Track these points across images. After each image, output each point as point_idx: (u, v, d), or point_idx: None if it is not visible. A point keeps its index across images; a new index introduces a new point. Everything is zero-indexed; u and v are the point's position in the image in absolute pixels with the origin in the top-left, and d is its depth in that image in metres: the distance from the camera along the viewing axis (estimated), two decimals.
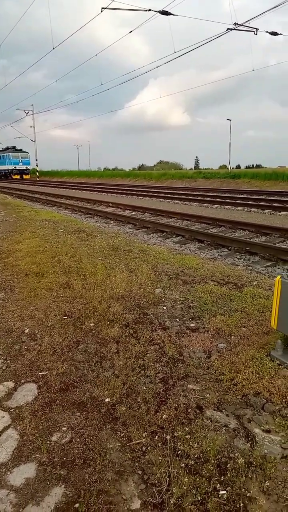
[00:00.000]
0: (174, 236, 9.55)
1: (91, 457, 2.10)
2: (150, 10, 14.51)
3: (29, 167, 59.13)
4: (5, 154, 59.56)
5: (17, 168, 56.90)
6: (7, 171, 58.99)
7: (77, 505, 1.81)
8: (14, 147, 60.69)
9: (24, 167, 58.04)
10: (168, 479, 1.93)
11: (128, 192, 24.32)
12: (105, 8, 14.39)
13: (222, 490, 1.87)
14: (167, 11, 14.49)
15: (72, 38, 20.30)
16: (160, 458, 2.06)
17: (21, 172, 57.21)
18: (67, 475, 1.99)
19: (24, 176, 57.28)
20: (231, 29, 15.56)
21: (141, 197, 21.36)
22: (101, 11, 14.55)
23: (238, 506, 1.78)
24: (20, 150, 58.88)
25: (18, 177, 56.29)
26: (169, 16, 14.63)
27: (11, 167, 57.38)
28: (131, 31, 16.61)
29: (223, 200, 17.10)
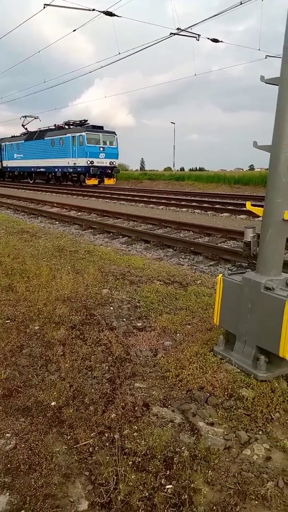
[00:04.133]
0: (120, 236, 9.58)
1: (36, 462, 2.05)
2: (94, 10, 14.44)
3: (115, 162, 29.95)
4: (67, 135, 29.48)
5: (95, 163, 27.83)
6: (71, 169, 29.36)
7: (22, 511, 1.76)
8: (84, 121, 30.44)
9: (107, 162, 28.77)
10: (115, 477, 1.94)
11: (74, 192, 23.99)
12: (47, 5, 14.11)
13: (169, 484, 1.91)
14: (111, 12, 14.51)
15: (14, 34, 19.69)
16: (108, 457, 2.07)
17: (103, 172, 28.49)
18: (12, 482, 1.92)
19: (107, 181, 29.20)
20: (174, 33, 15.93)
21: (87, 198, 21.16)
22: (44, 7, 14.24)
23: (183, 498, 1.83)
24: (101, 128, 29.60)
25: (95, 182, 28.39)
26: (113, 17, 14.66)
27: (82, 161, 27.95)
28: (75, 30, 16.48)
29: (168, 202, 17.43)
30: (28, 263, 5.85)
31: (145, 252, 7.93)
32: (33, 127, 37.94)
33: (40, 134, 34.53)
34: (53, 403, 2.55)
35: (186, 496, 1.84)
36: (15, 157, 38.54)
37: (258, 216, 2.94)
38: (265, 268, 2.83)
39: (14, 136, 39.95)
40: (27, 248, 7.09)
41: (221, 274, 3.18)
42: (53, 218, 12.77)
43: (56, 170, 31.58)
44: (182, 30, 15.79)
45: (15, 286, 4.77)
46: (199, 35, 16.69)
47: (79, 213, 14.18)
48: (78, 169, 28.75)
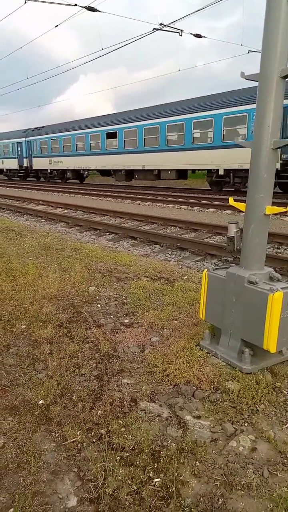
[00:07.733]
0: (107, 233, 9.56)
1: (25, 460, 2.06)
2: (76, 5, 14.29)
3: None
4: None
5: None
6: None
7: (11, 510, 1.77)
8: None
9: None
10: (103, 473, 1.96)
11: (59, 190, 23.81)
12: (28, 0, 13.91)
13: (156, 478, 1.94)
14: (93, 7, 14.37)
15: None
16: (96, 453, 2.09)
17: None
18: (0, 481, 1.93)
19: None
20: (157, 29, 15.86)
21: (73, 195, 21.04)
22: (25, 2, 14.03)
23: (171, 490, 1.86)
24: None
25: None
26: (95, 12, 14.53)
27: None
28: (57, 26, 16.23)
29: (155, 198, 17.43)
30: (13, 262, 5.80)
31: (132, 249, 7.94)
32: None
33: None
34: (40, 402, 2.55)
35: (173, 489, 1.87)
36: None
37: (242, 211, 2.98)
38: (249, 262, 2.87)
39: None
40: (13, 247, 7.03)
41: (206, 269, 3.22)
42: (39, 216, 12.65)
43: None
44: (165, 25, 15.73)
45: (1, 285, 4.73)
46: (182, 30, 16.65)
47: (65, 211, 14.08)
48: None
